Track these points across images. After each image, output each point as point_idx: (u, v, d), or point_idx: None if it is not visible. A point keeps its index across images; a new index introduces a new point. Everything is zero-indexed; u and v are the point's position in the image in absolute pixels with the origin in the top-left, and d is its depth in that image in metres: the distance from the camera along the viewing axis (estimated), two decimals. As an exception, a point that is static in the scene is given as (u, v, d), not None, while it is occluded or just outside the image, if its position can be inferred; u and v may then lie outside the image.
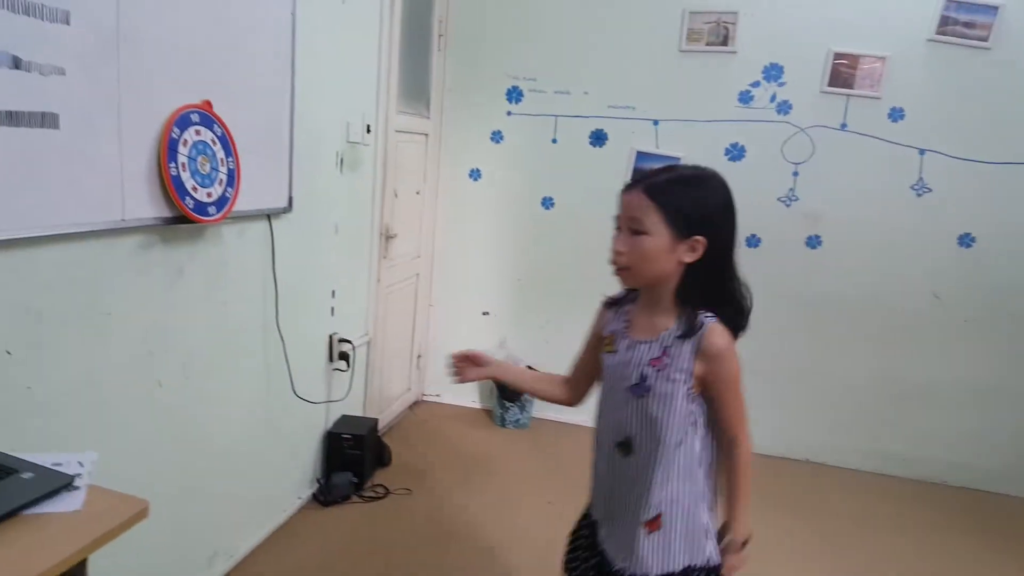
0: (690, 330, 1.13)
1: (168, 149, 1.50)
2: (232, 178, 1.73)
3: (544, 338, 3.35)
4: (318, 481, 2.56)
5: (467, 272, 3.48)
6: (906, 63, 2.84)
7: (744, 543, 1.20)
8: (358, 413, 2.80)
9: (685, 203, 1.11)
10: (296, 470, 2.44)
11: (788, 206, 3.04)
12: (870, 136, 2.93)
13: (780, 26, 2.92)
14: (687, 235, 1.10)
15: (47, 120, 1.24)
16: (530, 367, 3.05)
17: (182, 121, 1.54)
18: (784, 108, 2.98)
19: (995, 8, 2.72)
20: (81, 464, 1.02)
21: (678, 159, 3.06)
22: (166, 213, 1.55)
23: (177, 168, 1.54)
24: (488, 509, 2.55)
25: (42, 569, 0.80)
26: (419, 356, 3.50)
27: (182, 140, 1.55)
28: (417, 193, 3.24)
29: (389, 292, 3.01)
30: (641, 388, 1.16)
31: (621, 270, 1.16)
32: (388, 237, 2.89)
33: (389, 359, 3.11)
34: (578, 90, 3.17)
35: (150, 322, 1.60)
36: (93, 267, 1.42)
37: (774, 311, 3.07)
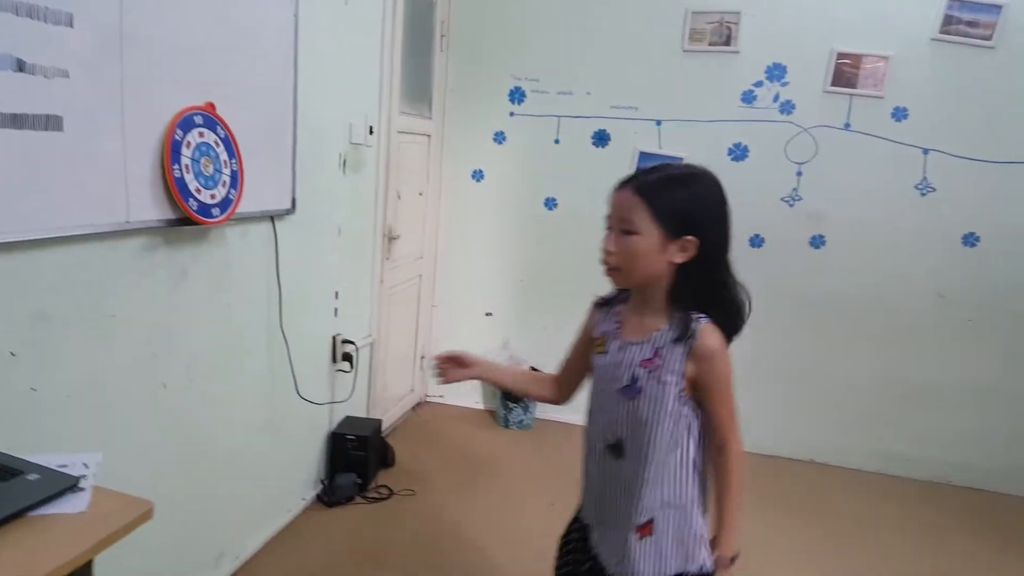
0: (682, 331, 1.11)
1: (172, 151, 1.51)
2: (235, 180, 1.73)
3: (547, 339, 3.35)
4: (322, 482, 2.56)
5: (470, 273, 3.48)
6: (909, 62, 2.83)
7: (733, 559, 1.17)
8: (362, 414, 2.80)
9: (676, 203, 1.09)
10: (300, 471, 2.45)
11: (791, 206, 3.04)
12: (874, 136, 2.92)
13: (783, 26, 2.91)
14: (678, 235, 1.08)
15: (51, 123, 1.24)
16: (533, 368, 3.04)
17: (185, 123, 1.55)
18: (787, 108, 2.97)
19: (999, 7, 2.71)
20: (86, 466, 1.02)
21: (681, 159, 3.05)
22: (170, 215, 1.55)
23: (181, 170, 1.54)
24: (492, 510, 2.55)
25: (48, 570, 0.80)
26: (422, 357, 3.50)
27: (185, 142, 1.55)
28: (420, 194, 3.24)
29: (392, 293, 3.02)
30: (632, 390, 1.14)
31: (611, 270, 1.14)
32: (391, 238, 2.89)
33: (392, 360, 3.11)
34: (580, 90, 3.17)
35: (154, 324, 1.60)
36: (97, 269, 1.42)
37: (778, 311, 3.06)
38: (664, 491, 1.15)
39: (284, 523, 2.33)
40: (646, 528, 1.16)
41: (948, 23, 2.77)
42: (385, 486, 2.63)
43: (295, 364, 2.19)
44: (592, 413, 1.25)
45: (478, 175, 3.38)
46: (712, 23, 2.97)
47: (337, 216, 2.43)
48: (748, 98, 3.00)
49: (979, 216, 2.89)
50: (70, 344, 1.38)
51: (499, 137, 3.31)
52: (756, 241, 3.06)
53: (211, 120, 1.64)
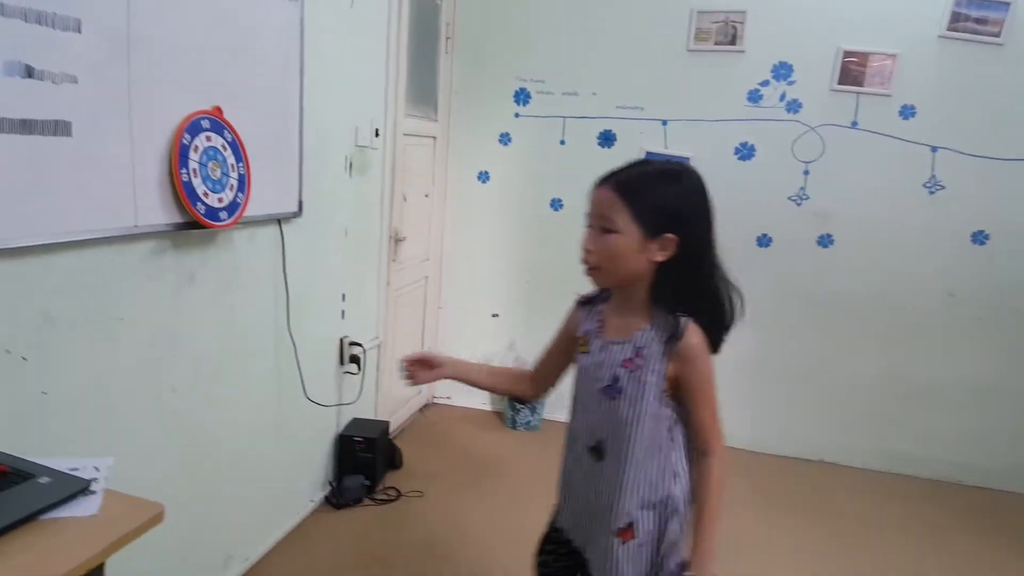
0: (663, 330, 1.09)
1: (179, 155, 1.51)
2: (243, 183, 1.74)
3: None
4: (330, 484, 2.56)
5: (476, 274, 3.48)
6: (917, 60, 2.81)
7: None
8: (369, 416, 2.81)
9: (655, 200, 1.06)
10: (308, 473, 2.45)
11: (799, 205, 3.02)
12: (881, 134, 2.91)
13: (788, 25, 2.90)
14: (658, 233, 1.05)
15: (60, 128, 1.25)
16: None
17: (193, 127, 1.55)
18: (794, 107, 2.96)
19: (1007, 4, 2.69)
20: (97, 469, 1.03)
21: (687, 159, 3.04)
22: (178, 219, 1.56)
23: (188, 174, 1.55)
24: (499, 511, 2.55)
25: (60, 573, 0.81)
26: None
27: (193, 146, 1.56)
28: (426, 196, 3.24)
29: (398, 295, 3.02)
30: (613, 390, 1.12)
31: (591, 269, 1.12)
32: (397, 240, 2.89)
33: (399, 362, 3.11)
34: (586, 91, 3.16)
35: (162, 327, 1.61)
36: (106, 273, 1.43)
37: (785, 310, 3.05)
38: (646, 493, 1.12)
39: (292, 525, 2.33)
40: (627, 532, 1.13)
41: (956, 20, 2.75)
42: (393, 488, 2.63)
43: (302, 366, 2.19)
44: (574, 414, 1.23)
45: (484, 176, 3.39)
46: (717, 22, 2.96)
47: (343, 218, 2.43)
48: (754, 97, 2.99)
49: (988, 214, 2.88)
50: (79, 348, 1.38)
51: (504, 138, 3.31)
52: (764, 240, 3.04)
53: (218, 124, 1.64)
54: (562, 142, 3.23)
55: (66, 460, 1.04)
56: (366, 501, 2.53)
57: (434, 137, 3.24)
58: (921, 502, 2.87)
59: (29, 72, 1.18)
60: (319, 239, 2.27)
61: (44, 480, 0.97)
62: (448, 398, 3.60)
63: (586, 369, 1.19)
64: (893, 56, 2.82)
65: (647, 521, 1.13)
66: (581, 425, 1.21)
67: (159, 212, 1.51)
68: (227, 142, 1.67)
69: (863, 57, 2.85)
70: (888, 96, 2.87)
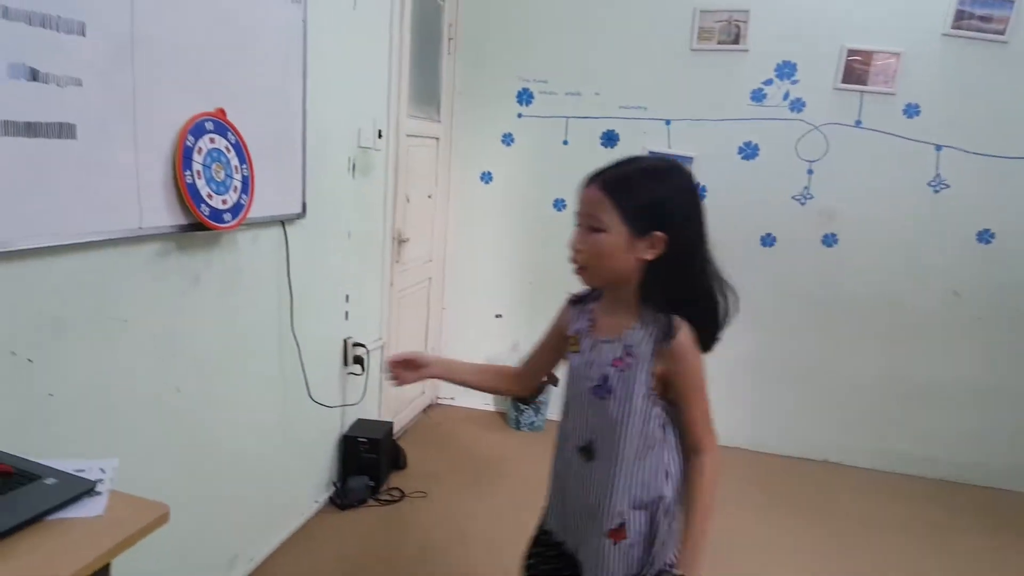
0: (653, 329, 1.08)
1: (183, 157, 1.52)
2: (246, 185, 1.74)
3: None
4: (335, 485, 2.57)
5: (479, 275, 3.48)
6: (921, 58, 2.81)
7: None
8: (373, 417, 2.81)
9: (643, 198, 1.05)
10: (313, 474, 2.46)
11: (803, 204, 3.01)
12: (885, 133, 2.90)
13: (792, 23, 2.90)
14: (646, 232, 1.04)
15: (65, 131, 1.26)
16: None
17: (197, 129, 1.56)
18: (797, 106, 2.96)
19: (1012, 1, 2.68)
20: (102, 470, 1.03)
21: (691, 159, 3.04)
22: (182, 221, 1.56)
23: (192, 176, 1.55)
24: (503, 512, 2.55)
25: (67, 573, 0.81)
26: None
27: (197, 148, 1.56)
28: (428, 197, 3.25)
29: (402, 296, 3.02)
30: (603, 389, 1.11)
31: (580, 269, 1.11)
32: (400, 241, 2.90)
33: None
34: (589, 91, 3.16)
35: (166, 328, 1.62)
36: (111, 275, 1.43)
37: (790, 310, 3.05)
38: (637, 493, 1.11)
39: (297, 526, 2.34)
40: (619, 532, 1.12)
41: (960, 18, 2.74)
42: (397, 488, 2.63)
43: (306, 367, 2.20)
44: (565, 414, 1.23)
45: (487, 177, 3.39)
46: (720, 21, 2.96)
47: (347, 220, 2.44)
48: (758, 96, 2.99)
49: (994, 212, 2.86)
50: (84, 349, 1.39)
51: (507, 139, 3.31)
52: (768, 240, 3.03)
53: (222, 126, 1.65)
54: (565, 142, 3.23)
55: (71, 461, 1.04)
56: (370, 502, 2.54)
57: (437, 138, 3.25)
58: (923, 501, 2.86)
59: (34, 75, 1.18)
60: (322, 240, 2.28)
61: (50, 481, 0.97)
62: (452, 399, 3.60)
63: (577, 369, 1.18)
64: (897, 54, 2.82)
65: (639, 521, 1.12)
66: (572, 425, 1.19)
67: (163, 214, 1.51)
68: (231, 144, 1.68)
69: (867, 56, 2.85)
70: (892, 95, 2.86)
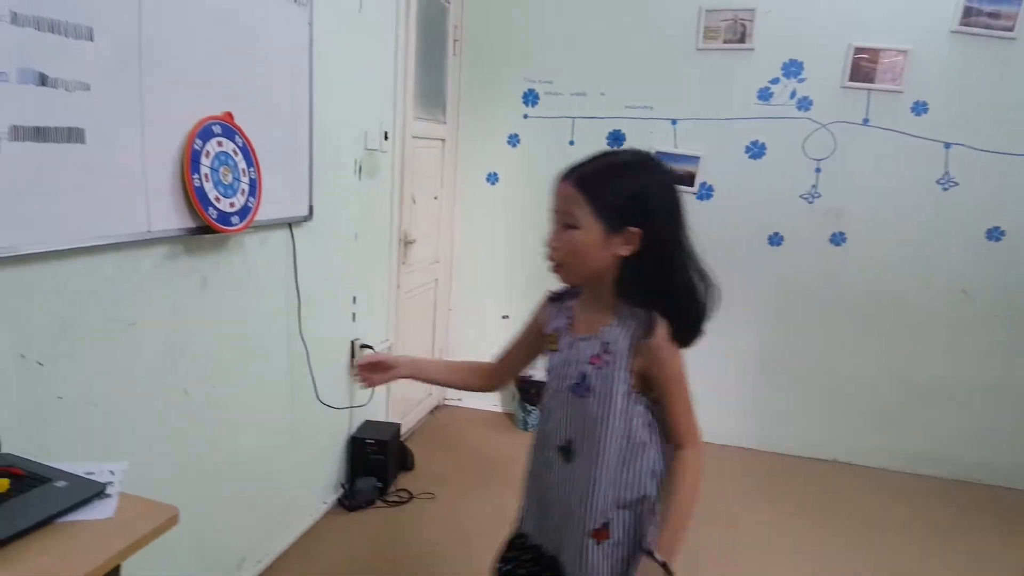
0: (630, 326, 1.06)
1: (191, 161, 1.52)
2: (254, 188, 1.75)
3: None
4: (343, 486, 2.57)
5: (486, 276, 3.48)
6: (929, 56, 2.79)
7: (664, 565, 1.05)
8: (381, 418, 2.82)
9: (616, 193, 1.03)
10: (321, 475, 2.46)
11: (811, 203, 3.00)
12: (893, 131, 2.88)
13: (798, 22, 2.88)
14: (620, 227, 1.02)
15: (73, 135, 1.26)
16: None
17: (204, 133, 1.57)
18: (804, 104, 2.94)
19: (1020, -3, 2.67)
20: (112, 473, 1.04)
21: (698, 158, 3.03)
22: (190, 224, 1.57)
23: (200, 179, 1.56)
24: (511, 513, 2.51)
25: (78, 575, 0.82)
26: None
27: (204, 151, 1.57)
28: (435, 198, 3.25)
29: (409, 297, 3.03)
30: (582, 388, 1.09)
31: (556, 267, 1.10)
32: (407, 243, 2.90)
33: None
34: (595, 91, 3.16)
35: (175, 331, 1.62)
36: (119, 278, 1.44)
37: (796, 309, 3.03)
38: (621, 492, 1.10)
39: (305, 528, 2.34)
40: (603, 532, 1.10)
41: (968, 15, 2.72)
42: (405, 490, 2.63)
43: (314, 369, 2.20)
44: (545, 415, 1.20)
45: (493, 178, 3.39)
46: (726, 20, 2.95)
47: (353, 222, 2.44)
48: (764, 95, 2.97)
49: (1003, 210, 2.84)
50: (93, 352, 1.40)
51: (513, 140, 3.31)
52: (775, 239, 3.01)
53: (229, 129, 1.65)
54: (571, 143, 3.23)
55: (82, 464, 1.05)
56: (378, 503, 2.54)
57: (443, 139, 3.25)
58: (929, 500, 2.84)
59: (43, 80, 1.19)
60: (329, 242, 2.28)
61: (60, 484, 0.98)
62: (459, 400, 3.60)
63: (556, 367, 1.16)
64: (904, 52, 2.80)
65: (623, 521, 1.11)
66: (552, 425, 1.17)
67: (172, 217, 1.52)
68: (238, 147, 1.68)
69: (874, 53, 2.83)
70: (900, 92, 2.84)
